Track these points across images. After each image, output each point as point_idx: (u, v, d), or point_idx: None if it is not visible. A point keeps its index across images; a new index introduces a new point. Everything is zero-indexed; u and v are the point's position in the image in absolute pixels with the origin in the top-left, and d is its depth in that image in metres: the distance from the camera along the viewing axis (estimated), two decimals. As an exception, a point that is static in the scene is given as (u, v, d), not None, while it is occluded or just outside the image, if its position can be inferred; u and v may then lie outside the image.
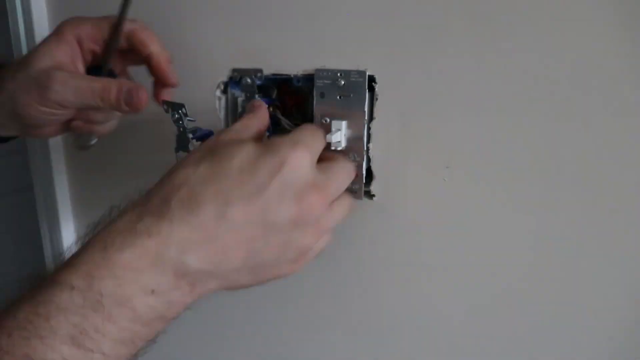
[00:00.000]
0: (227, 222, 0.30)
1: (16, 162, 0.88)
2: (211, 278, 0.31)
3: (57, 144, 0.65)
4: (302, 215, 0.33)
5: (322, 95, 0.46)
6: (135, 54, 0.46)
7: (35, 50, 0.43)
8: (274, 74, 0.48)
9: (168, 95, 0.46)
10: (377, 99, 0.44)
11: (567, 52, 0.38)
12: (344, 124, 0.45)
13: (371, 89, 0.44)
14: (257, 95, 0.49)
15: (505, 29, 0.39)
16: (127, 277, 0.27)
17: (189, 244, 0.29)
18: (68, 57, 0.43)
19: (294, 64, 0.47)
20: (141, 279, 0.27)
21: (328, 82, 0.45)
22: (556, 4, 0.37)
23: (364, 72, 0.44)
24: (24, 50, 0.60)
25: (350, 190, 0.47)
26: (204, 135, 0.43)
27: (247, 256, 0.32)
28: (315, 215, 0.34)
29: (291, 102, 0.48)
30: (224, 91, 0.51)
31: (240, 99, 0.50)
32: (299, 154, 0.33)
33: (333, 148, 0.45)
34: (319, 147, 0.38)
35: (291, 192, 0.32)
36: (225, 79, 0.50)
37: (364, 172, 0.46)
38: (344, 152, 0.46)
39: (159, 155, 0.44)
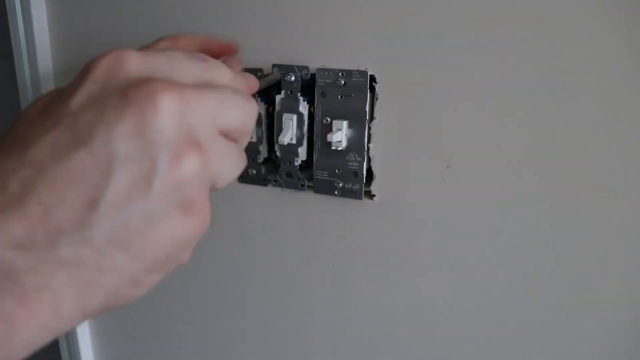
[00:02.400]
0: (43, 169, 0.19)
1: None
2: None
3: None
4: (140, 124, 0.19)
5: (323, 94, 0.46)
6: None
7: None
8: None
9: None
10: (377, 99, 0.44)
11: (568, 52, 0.38)
12: (344, 123, 0.45)
13: (372, 89, 0.44)
14: (257, 96, 0.49)
15: (505, 29, 0.39)
16: None
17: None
18: None
19: (294, 64, 0.47)
20: None
21: (329, 81, 0.45)
22: (556, 4, 0.37)
23: (365, 72, 0.44)
24: (24, 50, 0.60)
25: (350, 191, 0.47)
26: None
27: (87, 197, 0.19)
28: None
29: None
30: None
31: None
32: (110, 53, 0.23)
33: (334, 148, 0.46)
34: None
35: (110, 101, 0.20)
36: (225, 78, 0.50)
37: (364, 172, 0.46)
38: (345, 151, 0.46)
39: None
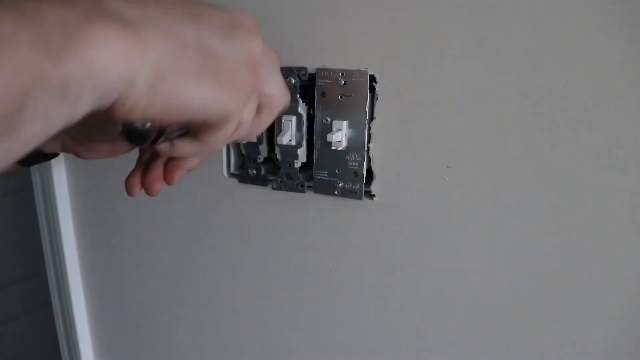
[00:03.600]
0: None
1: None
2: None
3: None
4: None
5: (323, 94, 0.46)
6: None
7: None
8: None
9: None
10: (377, 99, 0.44)
11: (568, 51, 0.38)
12: (344, 123, 0.45)
13: (372, 89, 0.44)
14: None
15: (505, 30, 0.39)
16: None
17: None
18: None
19: (295, 64, 0.47)
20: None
21: (329, 81, 0.45)
22: (556, 4, 0.37)
23: (365, 72, 0.44)
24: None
25: (350, 191, 0.47)
26: None
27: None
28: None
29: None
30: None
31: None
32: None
33: (334, 148, 0.46)
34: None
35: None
36: (225, 78, 0.50)
37: (364, 172, 0.46)
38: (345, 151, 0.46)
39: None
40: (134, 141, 0.25)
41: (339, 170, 0.47)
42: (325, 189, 0.48)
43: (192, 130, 0.29)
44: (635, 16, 0.36)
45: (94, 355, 0.71)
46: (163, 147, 0.29)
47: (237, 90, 0.27)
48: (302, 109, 0.47)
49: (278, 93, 0.32)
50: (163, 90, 0.23)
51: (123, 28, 0.21)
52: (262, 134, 0.49)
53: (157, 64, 0.23)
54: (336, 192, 0.48)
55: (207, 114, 0.26)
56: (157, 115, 0.24)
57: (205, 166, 0.41)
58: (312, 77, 0.46)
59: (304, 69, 0.46)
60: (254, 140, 0.50)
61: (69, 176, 0.67)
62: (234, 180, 0.53)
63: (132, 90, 0.22)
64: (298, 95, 0.47)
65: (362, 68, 0.44)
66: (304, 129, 0.47)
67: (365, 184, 0.47)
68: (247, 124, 0.30)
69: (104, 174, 0.63)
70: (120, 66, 0.21)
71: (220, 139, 0.29)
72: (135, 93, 0.22)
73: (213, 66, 0.25)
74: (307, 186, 0.50)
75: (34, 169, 0.67)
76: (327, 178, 0.48)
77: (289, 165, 0.49)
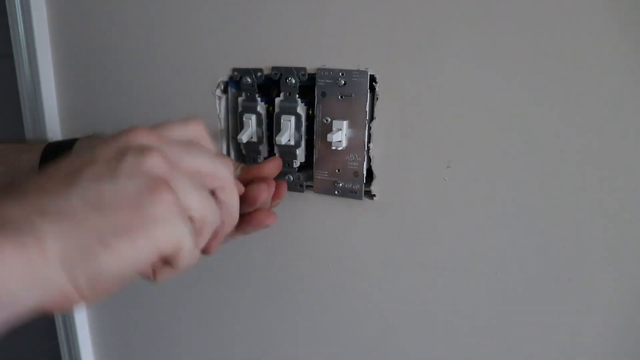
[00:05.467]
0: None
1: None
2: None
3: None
4: (124, 142, 0.26)
5: (323, 94, 0.46)
6: None
7: None
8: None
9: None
10: (377, 99, 0.44)
11: (568, 51, 0.38)
12: (344, 123, 0.45)
13: (372, 89, 0.44)
14: (257, 95, 0.49)
15: (505, 29, 0.39)
16: None
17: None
18: None
19: (295, 64, 0.47)
20: None
21: (329, 81, 0.45)
22: (557, 4, 0.37)
23: (365, 72, 0.44)
24: (24, 50, 0.60)
25: (350, 191, 0.47)
26: None
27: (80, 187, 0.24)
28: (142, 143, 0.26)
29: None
30: (224, 91, 0.51)
31: (240, 99, 0.50)
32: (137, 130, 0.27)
33: (334, 148, 0.46)
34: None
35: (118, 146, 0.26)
36: (225, 78, 0.50)
37: (364, 172, 0.46)
38: (345, 152, 0.46)
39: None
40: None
41: (339, 170, 0.47)
42: (325, 189, 0.48)
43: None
44: (636, 16, 0.36)
45: (94, 355, 0.71)
46: (146, 274, 0.29)
47: (156, 221, 0.24)
48: (301, 109, 0.47)
49: (202, 210, 0.28)
50: (83, 275, 0.23)
51: (14, 239, 0.21)
52: (262, 133, 0.49)
53: (61, 254, 0.22)
54: (336, 192, 0.48)
55: (145, 261, 0.24)
56: (100, 291, 0.24)
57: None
58: (312, 77, 0.46)
59: (303, 69, 0.46)
60: (254, 140, 0.50)
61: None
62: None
63: (52, 287, 0.22)
64: (297, 96, 0.47)
65: (362, 68, 0.44)
66: (303, 128, 0.47)
67: (365, 184, 0.47)
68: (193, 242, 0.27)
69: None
70: (24, 277, 0.21)
71: (188, 258, 0.27)
72: (58, 289, 0.22)
73: (113, 219, 0.23)
74: (307, 186, 0.50)
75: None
76: (327, 178, 0.48)
77: (288, 165, 0.49)
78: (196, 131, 0.31)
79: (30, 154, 0.44)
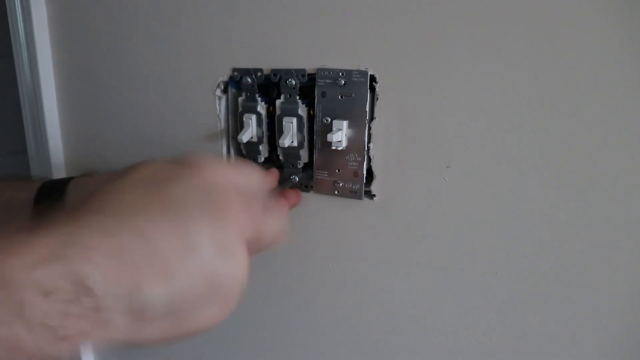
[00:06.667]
0: (142, 237, 0.25)
1: (16, 162, 0.88)
2: (119, 308, 0.24)
3: (56, 146, 0.64)
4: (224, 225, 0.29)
5: (323, 94, 0.46)
6: None
7: None
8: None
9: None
10: (377, 99, 0.44)
11: (568, 51, 0.38)
12: (345, 123, 0.45)
13: (372, 89, 0.44)
14: (257, 95, 0.49)
15: (505, 29, 0.39)
16: (17, 264, 0.22)
17: (95, 250, 0.24)
18: None
19: (295, 64, 0.47)
20: (34, 273, 0.22)
21: (329, 81, 0.45)
22: (558, 4, 0.37)
23: (365, 72, 0.44)
24: (24, 50, 0.60)
25: (350, 191, 0.47)
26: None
27: (166, 286, 0.25)
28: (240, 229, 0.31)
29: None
30: (225, 91, 0.51)
31: (240, 99, 0.50)
32: (211, 160, 0.31)
33: (334, 148, 0.46)
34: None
35: (209, 198, 0.29)
36: (225, 78, 0.50)
37: (364, 172, 0.46)
38: (345, 151, 0.46)
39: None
40: None
41: (339, 170, 0.47)
42: (325, 189, 0.48)
43: None
44: (636, 16, 0.36)
45: (94, 355, 0.71)
46: None
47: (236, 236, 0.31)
48: (302, 110, 0.47)
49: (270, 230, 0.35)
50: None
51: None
52: (262, 133, 0.49)
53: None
54: (336, 192, 0.48)
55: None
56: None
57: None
58: (312, 78, 0.46)
59: (303, 70, 0.46)
60: (254, 140, 0.50)
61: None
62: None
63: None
64: (298, 97, 0.47)
65: (362, 68, 0.44)
66: (305, 129, 0.47)
67: (365, 184, 0.47)
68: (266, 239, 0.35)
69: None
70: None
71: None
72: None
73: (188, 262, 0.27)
74: (307, 186, 0.50)
75: (34, 169, 0.67)
76: (327, 178, 0.48)
77: (292, 166, 0.49)
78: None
79: (25, 192, 0.45)
